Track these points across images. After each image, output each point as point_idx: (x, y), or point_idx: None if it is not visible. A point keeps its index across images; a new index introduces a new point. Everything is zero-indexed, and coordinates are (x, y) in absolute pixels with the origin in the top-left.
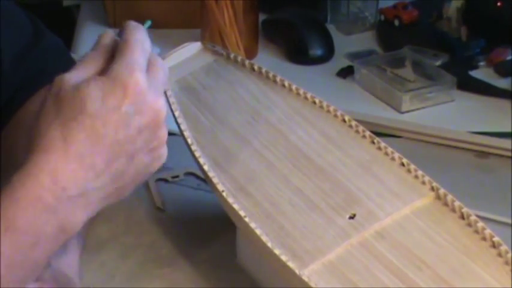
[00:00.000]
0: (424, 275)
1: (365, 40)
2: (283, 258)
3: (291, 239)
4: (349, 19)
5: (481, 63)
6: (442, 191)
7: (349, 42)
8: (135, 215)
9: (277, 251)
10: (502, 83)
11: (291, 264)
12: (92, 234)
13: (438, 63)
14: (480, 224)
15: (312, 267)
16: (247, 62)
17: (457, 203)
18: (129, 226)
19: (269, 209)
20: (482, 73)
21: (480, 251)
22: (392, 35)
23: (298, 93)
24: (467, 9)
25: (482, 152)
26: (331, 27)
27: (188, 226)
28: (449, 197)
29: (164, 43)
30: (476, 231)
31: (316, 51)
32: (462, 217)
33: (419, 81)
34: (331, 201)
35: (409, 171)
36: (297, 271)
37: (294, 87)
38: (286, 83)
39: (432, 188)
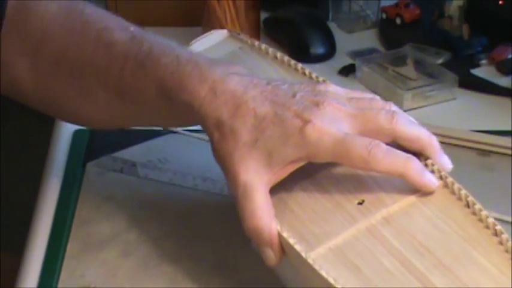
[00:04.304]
0: (426, 261)
1: (367, 38)
2: (291, 241)
3: (300, 223)
4: (351, 17)
5: (483, 62)
6: (450, 179)
7: (350, 41)
8: (136, 213)
9: (285, 234)
10: (504, 81)
11: (297, 247)
12: (93, 233)
13: (440, 61)
14: (484, 213)
15: (318, 251)
16: (270, 50)
17: (463, 192)
18: (131, 224)
19: (280, 192)
20: (484, 71)
21: (482, 238)
22: (394, 33)
23: (318, 82)
24: (469, 7)
25: (484, 150)
26: (332, 26)
27: (190, 225)
28: (456, 186)
29: None
30: (480, 220)
31: (318, 49)
32: (468, 205)
33: (421, 79)
34: (342, 187)
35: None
36: (303, 254)
37: (314, 75)
38: (307, 72)
39: (441, 177)
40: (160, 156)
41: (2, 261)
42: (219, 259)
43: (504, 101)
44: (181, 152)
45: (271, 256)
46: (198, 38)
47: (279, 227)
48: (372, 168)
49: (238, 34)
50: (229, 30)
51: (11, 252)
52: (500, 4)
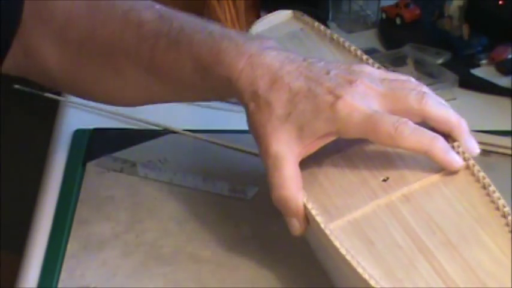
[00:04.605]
0: (435, 238)
1: (367, 38)
2: (313, 212)
3: (326, 195)
4: (351, 17)
5: (483, 62)
6: (471, 161)
7: (350, 40)
8: (137, 213)
9: (309, 205)
10: (504, 81)
11: (318, 218)
12: (93, 232)
13: (440, 61)
14: (496, 195)
15: (337, 223)
16: (328, 31)
17: (481, 174)
18: (131, 224)
19: (312, 166)
20: (484, 71)
21: (492, 219)
22: (394, 33)
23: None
24: (469, 7)
25: (484, 150)
26: (332, 25)
27: (190, 225)
28: (476, 168)
29: None
30: (492, 201)
31: None
32: (484, 187)
33: (421, 79)
34: (370, 164)
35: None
36: (322, 225)
37: (370, 61)
38: (358, 53)
39: (464, 158)
40: (160, 156)
41: (2, 261)
42: (219, 259)
43: (504, 101)
44: (181, 152)
45: (296, 226)
46: (263, 17)
47: (305, 199)
48: (398, 145)
49: (302, 15)
50: (294, 11)
51: (11, 251)
52: (500, 4)
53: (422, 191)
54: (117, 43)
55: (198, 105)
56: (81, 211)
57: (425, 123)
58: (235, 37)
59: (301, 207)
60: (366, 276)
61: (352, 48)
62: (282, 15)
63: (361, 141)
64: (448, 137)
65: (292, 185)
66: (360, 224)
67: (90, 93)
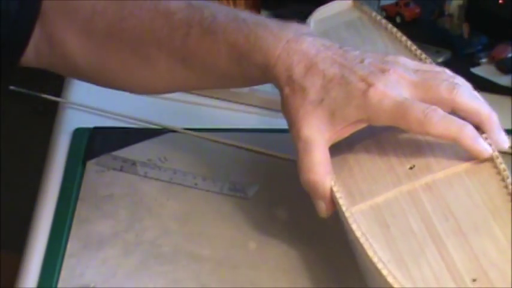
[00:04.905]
0: (448, 225)
1: None
2: (337, 195)
3: (353, 180)
4: None
5: (483, 60)
6: (495, 153)
7: None
8: (136, 212)
9: (335, 188)
10: (504, 80)
11: (341, 201)
12: (93, 231)
13: (440, 60)
14: None
15: (360, 206)
16: (383, 21)
17: (502, 166)
18: (131, 223)
19: (345, 151)
20: (484, 70)
21: (505, 211)
22: None
23: (420, 59)
24: (469, 6)
25: None
26: None
27: (190, 224)
28: (499, 160)
29: None
30: (509, 193)
31: None
32: (503, 179)
33: None
34: (399, 151)
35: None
36: (344, 207)
37: (413, 47)
38: (408, 44)
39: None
40: (160, 155)
41: (2, 260)
42: (219, 258)
43: (504, 100)
44: (181, 150)
45: (323, 208)
46: (322, 6)
47: (332, 182)
48: (427, 131)
49: (361, 4)
50: (354, 0)
51: (11, 251)
52: (500, 3)
53: (445, 180)
54: (146, 33)
55: (198, 104)
56: (81, 210)
57: (456, 114)
58: (269, 24)
59: (328, 191)
60: (375, 258)
61: (403, 39)
62: (341, 4)
63: (394, 128)
64: (478, 129)
65: (320, 169)
66: (381, 209)
67: (117, 83)
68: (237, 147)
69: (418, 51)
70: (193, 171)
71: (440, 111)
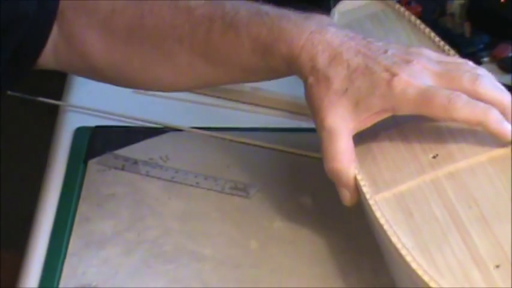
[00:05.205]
0: (471, 212)
1: None
2: (361, 183)
3: (377, 168)
4: None
5: (485, 59)
6: None
7: None
8: (138, 211)
9: (359, 176)
10: (506, 79)
11: (365, 189)
12: (95, 230)
13: None
14: None
15: (383, 195)
16: (406, 13)
17: None
18: (132, 222)
19: (369, 140)
20: (486, 69)
21: None
22: None
23: (443, 51)
24: (471, 5)
25: None
26: None
27: (192, 223)
28: None
29: None
30: None
31: None
32: None
33: None
34: (423, 140)
35: None
36: (367, 195)
37: (437, 39)
38: (432, 35)
39: None
40: (162, 154)
41: (4, 259)
42: (220, 257)
43: None
44: (183, 149)
45: (347, 196)
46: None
47: (356, 171)
48: (452, 117)
49: None
50: None
51: (12, 250)
52: (502, 2)
53: (468, 169)
54: (168, 29)
55: (200, 103)
56: (83, 209)
57: None
58: (292, 16)
59: (352, 179)
60: (399, 245)
61: (427, 30)
62: None
63: (418, 117)
64: None
65: (344, 158)
66: (404, 197)
67: (137, 80)
68: (242, 142)
69: (442, 43)
70: (194, 170)
71: (464, 96)
